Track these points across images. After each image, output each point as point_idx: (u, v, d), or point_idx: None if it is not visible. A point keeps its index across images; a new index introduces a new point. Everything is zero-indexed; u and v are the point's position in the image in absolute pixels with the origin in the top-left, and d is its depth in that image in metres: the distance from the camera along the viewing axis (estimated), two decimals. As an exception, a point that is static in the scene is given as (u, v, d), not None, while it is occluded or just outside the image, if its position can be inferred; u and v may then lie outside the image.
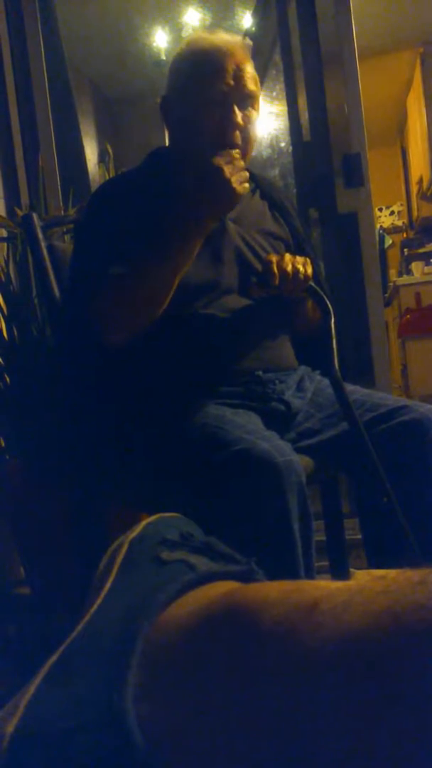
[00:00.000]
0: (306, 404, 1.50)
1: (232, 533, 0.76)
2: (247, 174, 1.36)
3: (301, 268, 1.45)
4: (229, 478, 1.22)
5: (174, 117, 1.60)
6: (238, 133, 1.50)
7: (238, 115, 1.50)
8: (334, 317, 1.47)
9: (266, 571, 0.64)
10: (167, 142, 1.69)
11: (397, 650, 0.41)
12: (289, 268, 1.43)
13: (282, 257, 1.45)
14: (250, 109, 1.52)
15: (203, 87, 1.50)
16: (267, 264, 1.44)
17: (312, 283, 1.48)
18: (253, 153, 1.62)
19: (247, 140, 1.53)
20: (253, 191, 1.69)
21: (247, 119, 1.52)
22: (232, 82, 1.49)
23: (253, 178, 1.70)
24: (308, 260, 1.49)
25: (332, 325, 1.46)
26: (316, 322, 1.57)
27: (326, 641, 0.44)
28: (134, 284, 1.41)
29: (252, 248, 1.56)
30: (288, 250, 1.60)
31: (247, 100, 1.52)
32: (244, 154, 1.53)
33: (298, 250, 1.61)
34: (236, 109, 1.50)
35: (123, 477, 1.47)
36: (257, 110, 1.55)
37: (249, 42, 1.60)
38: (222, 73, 1.49)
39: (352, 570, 1.75)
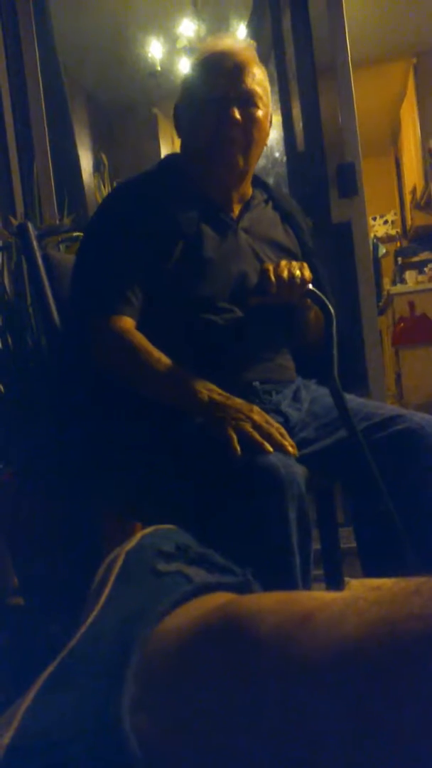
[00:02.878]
0: (302, 414, 1.50)
1: (231, 544, 0.76)
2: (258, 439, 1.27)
3: (297, 272, 1.45)
4: (230, 488, 1.22)
5: (182, 122, 1.61)
6: (235, 130, 1.51)
7: (236, 113, 1.50)
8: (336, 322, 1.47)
9: (263, 583, 0.64)
10: (161, 153, 1.70)
11: (393, 660, 0.41)
12: (285, 273, 1.43)
13: (278, 264, 1.46)
14: (252, 107, 1.52)
15: (203, 88, 1.53)
16: (264, 272, 1.44)
17: (311, 287, 1.48)
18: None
19: (249, 138, 1.53)
20: (266, 202, 1.69)
21: (249, 117, 1.52)
22: (230, 79, 1.50)
23: (266, 189, 1.71)
24: (305, 264, 1.49)
25: (334, 331, 1.46)
26: (319, 332, 1.57)
27: (322, 652, 0.44)
28: (133, 370, 1.41)
29: (261, 260, 1.55)
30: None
31: (249, 99, 1.51)
32: (247, 154, 1.54)
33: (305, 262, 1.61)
34: (235, 107, 1.50)
35: (119, 488, 1.47)
36: (263, 110, 1.54)
37: (253, 43, 1.62)
38: (220, 71, 1.51)
39: (346, 579, 1.75)
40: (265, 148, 1.64)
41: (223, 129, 1.51)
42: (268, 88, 1.58)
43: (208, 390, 1.34)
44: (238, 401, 1.32)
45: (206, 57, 1.55)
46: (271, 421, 1.30)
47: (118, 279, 1.47)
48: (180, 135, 1.64)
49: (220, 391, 1.34)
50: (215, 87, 1.51)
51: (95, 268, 1.53)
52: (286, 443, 1.26)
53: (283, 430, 1.29)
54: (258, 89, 1.53)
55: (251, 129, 1.53)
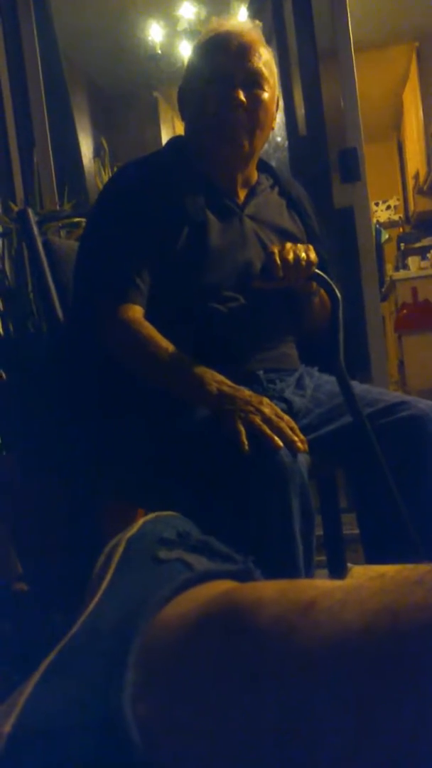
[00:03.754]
0: (306, 401, 1.50)
1: (233, 531, 0.76)
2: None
3: (303, 255, 1.44)
4: (233, 475, 1.21)
5: (186, 104, 1.59)
6: (240, 111, 1.48)
7: (241, 94, 1.48)
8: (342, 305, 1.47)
9: (265, 570, 0.64)
10: (162, 137, 1.68)
11: (395, 650, 0.41)
12: (291, 256, 1.42)
13: (283, 247, 1.44)
14: (257, 89, 1.50)
15: (208, 68, 1.50)
16: (269, 255, 1.43)
17: (317, 270, 1.47)
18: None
19: (254, 120, 1.51)
20: (272, 187, 1.67)
21: (254, 99, 1.49)
22: (235, 61, 1.48)
23: (273, 174, 1.69)
24: (311, 246, 1.48)
25: (340, 315, 1.45)
26: (324, 318, 1.56)
27: (323, 640, 0.44)
28: (143, 358, 1.39)
29: (266, 247, 1.54)
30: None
31: (254, 80, 1.49)
32: (251, 135, 1.52)
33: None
34: (240, 88, 1.48)
35: (122, 474, 1.47)
36: (268, 92, 1.52)
37: (259, 23, 1.59)
38: (225, 53, 1.49)
39: (349, 565, 1.75)
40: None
41: (227, 111, 1.49)
42: (275, 70, 1.55)
43: (217, 382, 1.32)
44: (248, 393, 1.30)
45: (210, 38, 1.53)
46: (282, 414, 1.28)
47: (126, 265, 1.45)
48: (184, 118, 1.62)
49: (229, 382, 1.32)
50: (219, 68, 1.49)
51: (102, 254, 1.50)
52: (296, 439, 1.24)
53: (293, 424, 1.27)
54: (264, 70, 1.50)
55: (256, 111, 1.50)
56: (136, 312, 1.43)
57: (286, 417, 1.28)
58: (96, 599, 0.60)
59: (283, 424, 1.25)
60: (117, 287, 1.44)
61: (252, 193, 1.60)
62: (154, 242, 1.45)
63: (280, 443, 1.21)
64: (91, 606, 0.60)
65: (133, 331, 1.40)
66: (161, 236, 1.46)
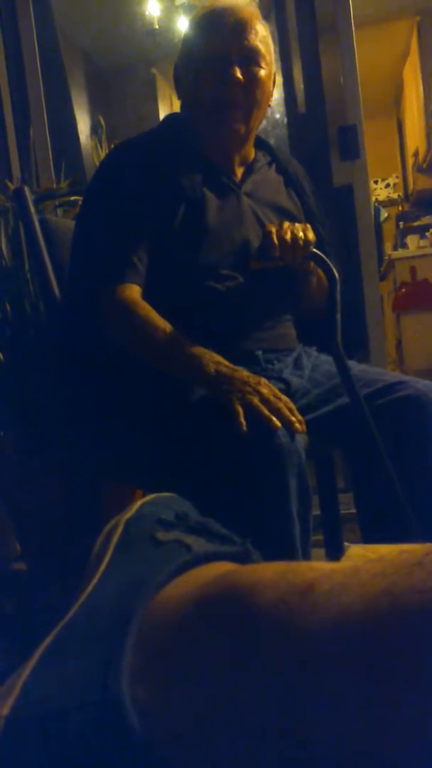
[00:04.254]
0: (304, 381, 1.50)
1: (230, 511, 0.76)
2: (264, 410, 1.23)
3: (300, 234, 1.43)
4: (230, 456, 1.21)
5: (182, 83, 1.57)
6: (237, 90, 1.46)
7: (238, 71, 1.46)
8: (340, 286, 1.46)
9: (263, 551, 0.64)
10: (160, 114, 1.66)
11: (395, 633, 0.41)
12: (288, 236, 1.41)
13: (280, 226, 1.43)
14: (255, 67, 1.48)
15: (204, 46, 1.48)
16: (266, 235, 1.42)
17: (315, 249, 1.46)
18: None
19: (251, 98, 1.49)
20: (269, 164, 1.65)
21: (251, 76, 1.47)
22: (232, 39, 1.46)
23: (270, 151, 1.67)
24: (308, 226, 1.47)
25: (338, 294, 1.44)
26: (321, 298, 1.56)
27: (322, 623, 0.44)
28: (138, 338, 1.39)
29: (263, 225, 1.53)
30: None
31: (251, 57, 1.47)
32: (248, 114, 1.50)
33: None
34: (236, 65, 1.46)
35: (120, 455, 1.47)
36: (266, 69, 1.50)
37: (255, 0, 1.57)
38: (221, 29, 1.46)
39: (346, 544, 1.75)
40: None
41: (223, 89, 1.47)
42: (272, 46, 1.53)
43: (214, 362, 1.31)
44: (245, 373, 1.30)
45: (206, 14, 1.50)
46: (280, 394, 1.28)
47: (123, 244, 1.44)
48: (180, 96, 1.60)
49: (226, 363, 1.31)
50: (215, 45, 1.47)
51: (98, 233, 1.48)
52: (294, 419, 1.23)
53: (291, 405, 1.27)
54: (261, 47, 1.48)
55: (253, 89, 1.48)
56: (134, 292, 1.42)
57: (284, 398, 1.28)
58: (94, 581, 0.60)
59: (281, 405, 1.24)
60: (114, 267, 1.43)
61: (249, 170, 1.59)
62: (151, 221, 1.44)
63: (278, 423, 1.20)
64: (90, 587, 0.60)
65: (131, 312, 1.39)
66: (158, 215, 1.45)
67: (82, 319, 1.48)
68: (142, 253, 1.44)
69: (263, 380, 1.29)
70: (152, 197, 1.44)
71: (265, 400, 1.24)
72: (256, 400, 1.23)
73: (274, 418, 1.21)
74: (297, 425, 1.23)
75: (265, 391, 1.26)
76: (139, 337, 1.38)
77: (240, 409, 1.21)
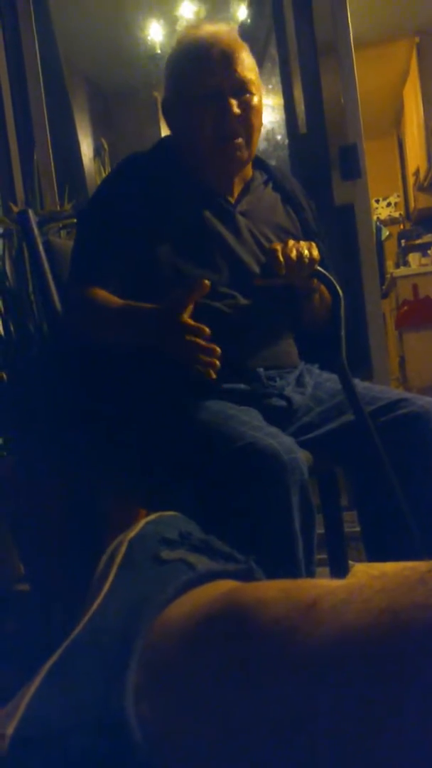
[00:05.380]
0: (306, 399, 1.50)
1: (233, 529, 0.76)
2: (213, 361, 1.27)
3: (305, 252, 1.44)
4: (233, 473, 1.21)
5: (173, 117, 1.59)
6: (235, 123, 1.48)
7: (234, 105, 1.48)
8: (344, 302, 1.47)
9: (266, 569, 0.64)
10: (162, 136, 1.67)
11: (397, 649, 0.41)
12: (294, 254, 1.42)
13: (285, 244, 1.44)
14: (247, 95, 1.49)
15: (194, 83, 1.49)
16: (272, 253, 1.43)
17: (319, 267, 1.47)
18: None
19: (249, 127, 1.51)
20: (265, 182, 1.67)
21: (245, 106, 1.49)
22: (221, 73, 1.47)
23: (266, 169, 1.69)
24: (313, 244, 1.48)
25: (342, 312, 1.45)
26: (324, 315, 1.56)
27: (325, 640, 0.44)
28: (98, 320, 1.44)
29: (260, 244, 1.54)
30: None
31: (243, 87, 1.49)
32: (249, 142, 1.52)
33: None
34: (231, 99, 1.47)
35: (123, 474, 1.47)
36: (257, 94, 1.52)
37: (234, 26, 1.59)
38: (210, 66, 1.47)
39: (351, 563, 1.75)
40: (266, 130, 1.62)
41: (223, 124, 1.49)
42: (257, 70, 1.54)
43: (152, 325, 1.33)
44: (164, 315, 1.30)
45: (189, 49, 1.51)
46: (184, 323, 1.27)
47: (99, 259, 1.48)
48: (172, 129, 1.61)
49: (155, 315, 1.33)
50: (207, 81, 1.48)
51: (78, 247, 1.55)
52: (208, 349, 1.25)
53: (203, 328, 1.27)
54: (250, 75, 1.50)
55: (250, 117, 1.51)
56: (99, 292, 1.45)
57: (186, 323, 1.27)
58: (98, 600, 0.60)
59: (192, 340, 1.26)
60: (85, 272, 1.49)
61: (245, 190, 1.60)
62: (138, 241, 1.47)
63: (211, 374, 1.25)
64: (94, 607, 0.60)
65: (88, 301, 1.44)
66: (149, 237, 1.47)
67: (67, 337, 1.55)
68: (120, 265, 1.48)
69: (175, 322, 1.28)
70: (142, 218, 1.47)
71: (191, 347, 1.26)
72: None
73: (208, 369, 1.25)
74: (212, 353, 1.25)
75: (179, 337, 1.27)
76: (92, 318, 1.44)
77: (192, 358, 1.25)
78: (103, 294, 1.44)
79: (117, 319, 1.41)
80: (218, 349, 1.23)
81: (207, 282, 1.27)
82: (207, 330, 1.24)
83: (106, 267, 1.48)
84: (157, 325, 1.31)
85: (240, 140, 1.50)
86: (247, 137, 1.51)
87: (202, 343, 1.24)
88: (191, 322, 1.26)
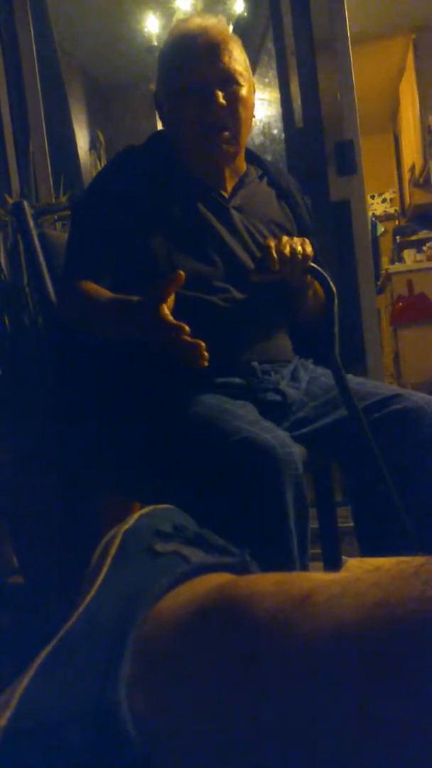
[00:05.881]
0: (301, 394, 1.50)
1: (227, 523, 0.76)
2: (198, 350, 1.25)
3: (299, 249, 1.44)
4: (227, 467, 1.21)
5: (163, 110, 1.59)
6: (221, 114, 1.48)
7: (220, 96, 1.47)
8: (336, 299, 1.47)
9: (260, 563, 0.64)
10: (158, 129, 1.67)
11: (392, 643, 0.41)
12: (287, 249, 1.42)
13: (279, 240, 1.44)
14: (234, 86, 1.49)
15: (181, 74, 1.50)
16: (266, 248, 1.43)
17: (312, 263, 1.47)
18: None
19: (237, 119, 1.51)
20: (260, 177, 1.67)
21: (232, 97, 1.49)
22: (207, 64, 1.47)
23: (261, 164, 1.69)
24: (306, 240, 1.48)
25: (335, 308, 1.45)
26: (317, 311, 1.56)
27: (320, 633, 0.44)
28: (84, 312, 1.45)
29: (254, 238, 1.54)
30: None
31: (229, 78, 1.49)
32: (236, 134, 1.52)
33: None
34: (217, 90, 1.47)
35: (118, 468, 1.47)
36: (245, 86, 1.51)
37: (223, 17, 1.58)
38: (196, 56, 1.48)
39: (344, 558, 1.75)
40: (262, 124, 1.62)
41: (209, 115, 1.49)
42: (247, 61, 1.54)
43: (135, 315, 1.31)
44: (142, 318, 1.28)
45: (177, 41, 1.52)
46: (163, 319, 1.25)
47: (92, 249, 1.49)
48: (163, 121, 1.62)
49: (139, 310, 1.30)
50: (193, 72, 1.48)
51: (74, 242, 1.55)
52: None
53: (181, 325, 1.24)
54: (237, 66, 1.49)
55: (237, 109, 1.50)
56: (89, 285, 1.46)
57: (165, 320, 1.25)
58: (92, 592, 0.60)
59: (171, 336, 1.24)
60: (77, 266, 1.49)
61: (239, 184, 1.60)
62: (133, 234, 1.47)
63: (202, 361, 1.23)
64: (87, 599, 0.60)
65: (78, 293, 1.44)
66: (143, 231, 1.48)
67: (62, 332, 1.55)
68: (111, 259, 1.49)
69: (151, 319, 1.26)
70: (135, 213, 1.47)
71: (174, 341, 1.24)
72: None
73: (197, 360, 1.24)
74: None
75: (162, 335, 1.25)
76: (81, 311, 1.44)
77: (179, 350, 1.23)
78: (93, 287, 1.44)
79: (103, 312, 1.40)
80: (202, 344, 1.22)
81: (182, 273, 1.24)
82: (186, 327, 1.22)
83: (98, 260, 1.48)
84: (141, 320, 1.30)
85: (226, 133, 1.50)
86: (235, 129, 1.51)
87: (188, 339, 1.22)
88: (171, 320, 1.24)
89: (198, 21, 1.53)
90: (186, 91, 1.49)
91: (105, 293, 1.42)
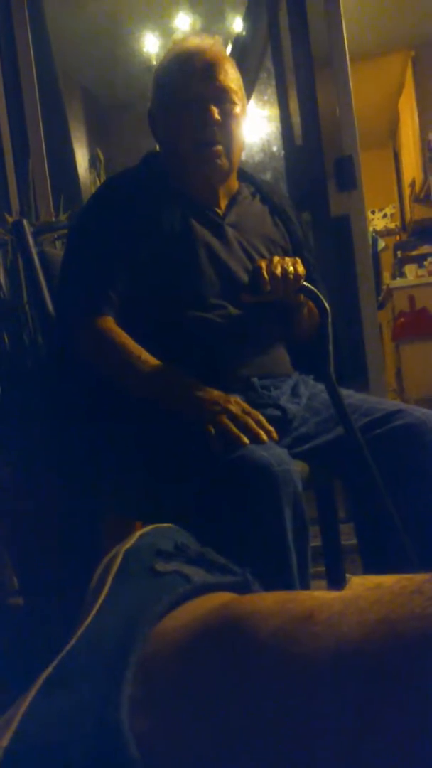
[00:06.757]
0: (301, 409, 1.50)
1: (226, 542, 0.76)
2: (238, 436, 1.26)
3: (290, 269, 1.44)
4: (225, 485, 1.21)
5: (159, 127, 1.60)
6: (216, 129, 1.50)
7: (215, 112, 1.50)
8: (331, 318, 1.47)
9: (262, 582, 0.63)
10: (157, 148, 1.68)
11: (394, 660, 0.41)
12: (279, 270, 1.42)
13: (270, 260, 1.45)
14: (229, 104, 1.51)
15: (177, 90, 1.52)
16: (257, 269, 1.43)
17: (305, 283, 1.47)
18: (245, 157, 1.61)
19: (229, 135, 1.53)
20: (253, 195, 1.68)
21: (227, 114, 1.51)
22: (204, 80, 1.49)
23: (253, 182, 1.70)
24: (298, 260, 1.48)
25: (329, 327, 1.45)
26: (313, 329, 1.57)
27: (322, 651, 0.44)
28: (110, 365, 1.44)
29: (250, 255, 1.55)
30: (287, 256, 1.58)
31: (224, 96, 1.51)
32: (228, 150, 1.53)
33: (296, 256, 1.60)
34: (212, 106, 1.49)
35: (118, 486, 1.47)
36: (239, 105, 1.54)
37: (219, 38, 1.61)
38: (193, 73, 1.50)
39: (348, 576, 1.74)
40: (262, 141, 1.63)
41: (203, 130, 1.50)
42: (241, 81, 1.57)
43: (184, 386, 1.35)
44: (216, 393, 1.33)
45: (174, 59, 1.54)
46: (249, 409, 1.30)
47: (99, 279, 1.48)
48: (157, 139, 1.63)
49: (198, 384, 1.35)
50: (189, 89, 1.50)
51: (77, 268, 1.54)
52: (260, 431, 1.26)
53: (260, 417, 1.29)
54: (232, 85, 1.52)
55: (230, 126, 1.52)
56: (108, 322, 1.46)
57: (253, 412, 1.30)
58: (93, 612, 0.60)
59: (248, 419, 1.27)
60: (90, 300, 1.47)
61: (233, 202, 1.61)
62: (131, 257, 1.47)
63: (246, 440, 1.23)
64: (89, 619, 0.59)
65: (105, 339, 1.43)
66: (140, 251, 1.48)
67: (64, 347, 1.52)
68: (118, 287, 1.48)
69: (233, 398, 1.32)
70: (133, 233, 1.48)
71: (233, 417, 1.27)
72: (224, 419, 1.26)
73: (242, 436, 1.23)
74: (262, 435, 1.25)
75: (233, 408, 1.29)
76: (112, 364, 1.43)
77: (212, 430, 1.25)
78: (121, 334, 1.44)
79: (143, 377, 1.39)
80: (246, 441, 1.24)
81: None
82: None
83: (110, 293, 1.47)
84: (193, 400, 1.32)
85: (219, 147, 1.52)
86: (227, 145, 1.53)
87: (235, 430, 1.25)
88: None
89: (195, 40, 1.56)
90: (182, 105, 1.51)
91: (140, 350, 1.41)
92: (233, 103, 1.52)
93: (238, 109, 1.53)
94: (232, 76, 1.52)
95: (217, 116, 1.50)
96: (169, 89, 1.53)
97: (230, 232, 1.56)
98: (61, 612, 1.82)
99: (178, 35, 4.67)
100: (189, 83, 1.50)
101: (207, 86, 1.50)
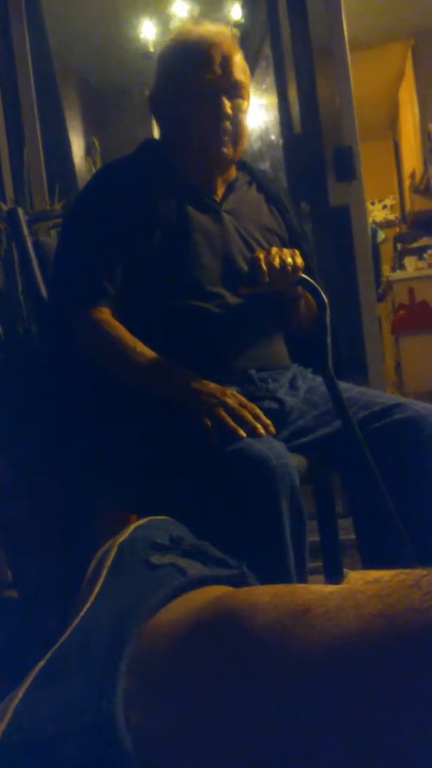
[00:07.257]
0: (299, 402, 1.49)
1: (223, 535, 0.75)
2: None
3: (289, 260, 1.43)
4: (222, 478, 1.21)
5: (163, 111, 1.59)
6: (227, 123, 1.51)
7: (227, 105, 1.50)
8: (329, 310, 1.46)
9: (258, 575, 0.63)
10: (155, 135, 1.68)
11: (392, 653, 0.41)
12: (277, 261, 1.42)
13: (268, 251, 1.44)
14: (239, 99, 1.52)
15: (190, 79, 1.51)
16: (254, 261, 1.42)
17: (303, 275, 1.47)
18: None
19: (238, 130, 1.54)
20: (249, 184, 1.68)
21: (237, 109, 1.52)
22: (219, 72, 1.49)
23: (250, 171, 1.70)
24: (296, 251, 1.48)
25: (327, 319, 1.44)
26: (311, 321, 1.56)
27: (320, 645, 0.43)
28: (108, 356, 1.43)
29: (247, 242, 1.55)
30: (283, 245, 1.58)
31: (236, 90, 1.51)
32: (235, 144, 1.54)
33: (293, 246, 1.59)
34: (225, 99, 1.50)
35: (113, 478, 1.46)
36: (247, 99, 1.55)
37: (236, 31, 1.61)
38: (209, 64, 1.49)
39: (346, 570, 1.74)
40: (260, 130, 1.63)
41: (215, 121, 1.50)
42: (248, 72, 1.57)
43: (182, 377, 1.35)
44: (212, 386, 1.33)
45: (190, 45, 1.53)
46: (245, 402, 1.31)
47: (95, 270, 1.47)
48: (159, 122, 1.62)
49: (195, 377, 1.35)
50: (206, 79, 1.49)
51: (73, 258, 1.53)
52: (257, 425, 1.26)
53: (258, 410, 1.30)
54: (244, 79, 1.53)
55: (240, 119, 1.53)
56: (104, 313, 1.45)
57: (250, 405, 1.31)
58: (87, 605, 0.60)
59: (245, 412, 1.28)
60: (86, 291, 1.47)
61: (230, 189, 1.61)
62: (127, 244, 1.47)
63: (243, 433, 1.23)
64: (83, 611, 0.59)
65: (101, 331, 1.43)
66: (137, 237, 1.47)
67: (59, 339, 1.52)
68: (114, 277, 1.47)
69: (229, 391, 1.32)
70: (130, 221, 1.47)
71: (230, 410, 1.27)
72: (221, 412, 1.26)
73: (239, 429, 1.24)
74: (260, 429, 1.26)
75: (230, 401, 1.29)
76: (108, 356, 1.42)
77: (208, 423, 1.25)
78: (117, 326, 1.43)
79: (140, 369, 1.39)
80: (243, 434, 1.25)
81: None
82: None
83: (105, 283, 1.46)
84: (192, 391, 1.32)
85: (227, 138, 1.52)
86: (234, 138, 1.53)
87: (231, 423, 1.25)
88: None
89: (211, 28, 1.55)
90: (196, 95, 1.51)
91: (135, 342, 1.41)
92: (243, 98, 1.53)
93: (246, 105, 1.54)
94: (243, 70, 1.53)
95: (228, 110, 1.50)
96: (183, 77, 1.52)
97: (227, 218, 1.56)
98: (56, 604, 1.82)
99: (177, 22, 4.64)
100: (206, 74, 1.49)
101: (223, 79, 1.50)
